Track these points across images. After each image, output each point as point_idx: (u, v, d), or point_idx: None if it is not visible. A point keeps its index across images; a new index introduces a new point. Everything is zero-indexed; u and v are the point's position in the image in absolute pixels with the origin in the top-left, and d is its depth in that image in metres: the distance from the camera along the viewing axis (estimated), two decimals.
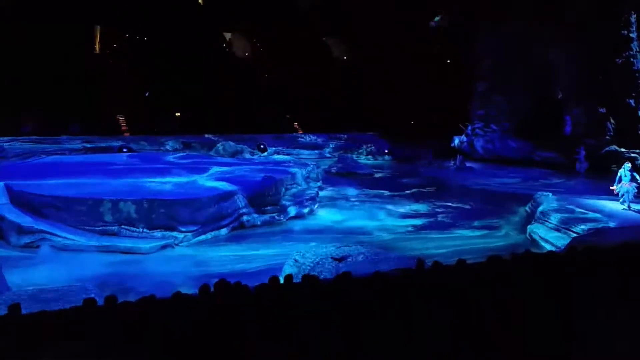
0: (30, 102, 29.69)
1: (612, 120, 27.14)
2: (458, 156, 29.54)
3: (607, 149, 26.67)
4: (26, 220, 15.84)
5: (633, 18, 27.30)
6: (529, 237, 17.03)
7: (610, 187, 18.45)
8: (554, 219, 16.83)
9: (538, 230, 16.94)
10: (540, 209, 17.90)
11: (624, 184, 18.03)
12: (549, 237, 16.28)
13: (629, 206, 17.71)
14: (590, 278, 6.59)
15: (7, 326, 5.93)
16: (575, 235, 15.43)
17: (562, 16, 27.66)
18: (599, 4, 27.06)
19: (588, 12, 27.18)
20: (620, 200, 17.98)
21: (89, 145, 27.62)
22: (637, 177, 17.97)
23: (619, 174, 18.17)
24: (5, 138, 27.23)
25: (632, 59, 27.32)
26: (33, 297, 10.43)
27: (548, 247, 15.42)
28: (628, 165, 18.38)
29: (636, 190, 17.91)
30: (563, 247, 13.47)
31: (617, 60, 27.27)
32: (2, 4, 30.32)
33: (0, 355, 4.76)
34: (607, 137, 26.91)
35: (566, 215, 16.87)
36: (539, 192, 19.67)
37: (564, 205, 17.97)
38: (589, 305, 5.28)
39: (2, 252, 15.02)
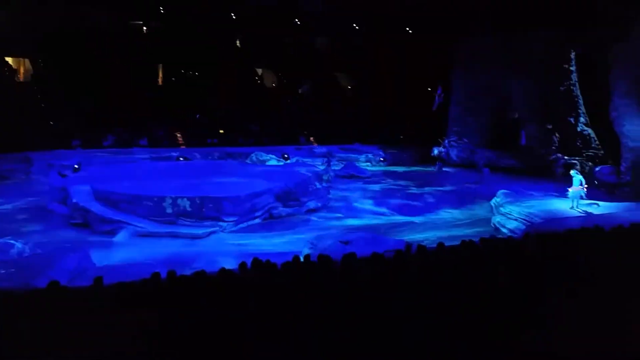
0: (112, 123, 29.96)
1: (557, 134, 27.09)
2: (437, 162, 29.49)
3: (553, 156, 26.63)
4: (106, 212, 15.94)
5: (573, 55, 27.45)
6: (493, 226, 16.91)
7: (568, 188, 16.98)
8: (513, 211, 16.69)
9: (501, 220, 16.82)
10: (501, 203, 17.74)
11: (573, 188, 16.53)
12: (509, 225, 16.17)
13: (576, 207, 16.36)
14: (541, 257, 6.55)
15: (93, 294, 6.00)
16: (529, 224, 15.30)
17: (519, 57, 27.93)
18: (546, 46, 27.28)
19: (538, 53, 27.44)
20: (572, 206, 16.46)
21: (154, 155, 27.72)
22: (583, 181, 16.64)
23: (574, 179, 16.61)
24: (92, 150, 27.50)
25: (572, 87, 27.42)
26: (113, 271, 10.51)
27: (508, 233, 15.31)
28: (574, 171, 17.27)
29: (584, 193, 16.64)
30: (520, 233, 13.36)
31: (561, 88, 27.35)
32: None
33: (88, 315, 4.79)
34: (553, 147, 26.91)
35: (522, 208, 16.70)
36: (501, 190, 19.53)
37: (521, 200, 17.76)
38: (542, 282, 5.25)
39: (88, 237, 15.18)
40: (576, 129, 26.98)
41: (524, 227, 15.07)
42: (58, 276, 9.65)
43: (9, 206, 18.26)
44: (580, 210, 16.16)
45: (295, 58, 37.43)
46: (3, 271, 10.73)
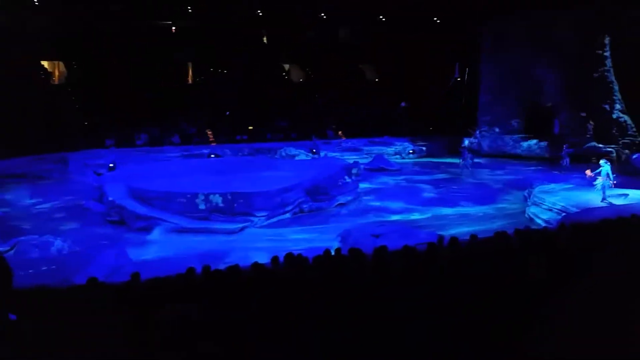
0: (144, 122, 30.50)
1: (591, 122, 26.34)
2: (468, 154, 28.98)
3: (588, 145, 25.91)
4: (141, 210, 16.24)
5: (607, 40, 26.57)
6: (527, 217, 16.58)
7: (586, 171, 16.70)
8: (547, 201, 16.33)
9: (535, 211, 16.48)
10: (535, 193, 17.36)
11: (601, 178, 15.97)
12: (543, 216, 15.83)
13: (603, 199, 15.78)
14: (576, 247, 6.39)
15: (130, 288, 6.13)
16: (564, 214, 14.94)
17: (550, 42, 27.16)
18: (579, 31, 26.48)
19: (570, 38, 26.65)
20: (602, 198, 15.83)
21: (185, 153, 28.11)
22: (611, 174, 15.97)
23: (602, 170, 16.04)
24: (126, 149, 28.07)
25: (606, 73, 26.58)
26: (148, 267, 10.72)
27: (543, 224, 14.98)
28: (603, 160, 16.56)
29: (610, 185, 16.03)
30: (555, 223, 13.05)
31: (594, 74, 26.53)
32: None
33: (124, 310, 4.90)
34: (588, 136, 26.19)
35: (556, 198, 16.32)
36: (535, 180, 19.13)
37: (555, 190, 17.34)
38: (576, 274, 5.12)
39: (124, 233, 15.51)
40: (612, 116, 26.22)
41: (559, 217, 14.73)
42: (96, 272, 9.90)
43: (47, 205, 18.82)
44: (607, 202, 15.57)
45: (320, 52, 37.29)
46: (44, 268, 11.08)
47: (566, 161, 24.08)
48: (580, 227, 7.20)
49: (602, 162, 16.56)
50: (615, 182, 16.13)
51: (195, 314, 4.48)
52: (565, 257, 5.81)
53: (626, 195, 16.17)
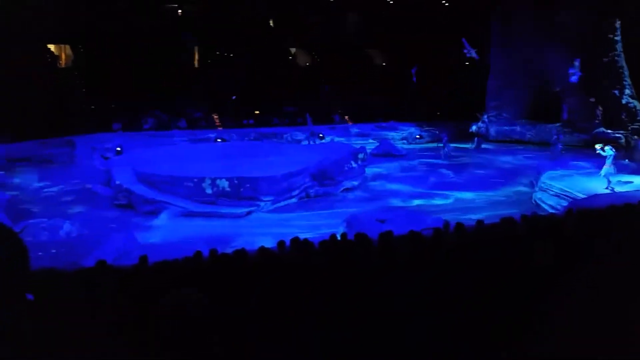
0: (151, 106, 30.48)
1: (600, 108, 26.08)
2: (476, 139, 28.83)
3: (596, 130, 25.70)
4: (149, 193, 16.35)
5: (617, 24, 26.16)
6: (534, 202, 16.53)
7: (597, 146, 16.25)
8: (554, 187, 16.25)
9: (542, 197, 16.43)
10: (543, 179, 17.28)
11: (606, 165, 15.85)
12: (550, 202, 15.77)
13: (608, 187, 15.62)
14: (582, 234, 6.36)
15: (138, 272, 6.19)
16: (571, 200, 14.87)
17: (559, 26, 26.79)
18: (589, 15, 26.07)
19: (580, 21, 26.27)
20: (607, 186, 15.68)
21: (192, 137, 28.13)
22: (609, 160, 15.75)
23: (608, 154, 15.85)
24: (131, 132, 28.10)
25: (616, 58, 26.22)
26: (156, 250, 10.82)
27: (550, 210, 14.93)
28: (608, 147, 16.19)
29: (614, 170, 15.88)
30: (562, 209, 13.01)
31: (604, 59, 26.18)
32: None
33: (132, 293, 4.95)
34: (597, 121, 25.96)
35: (563, 184, 16.24)
36: (542, 166, 19.03)
37: (562, 176, 17.24)
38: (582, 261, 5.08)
39: (132, 217, 15.62)
40: (621, 102, 25.92)
41: (565, 203, 14.67)
42: (104, 255, 10.00)
43: (55, 189, 18.95)
44: (610, 189, 15.46)
45: (327, 36, 36.97)
46: (53, 251, 11.19)
47: (558, 147, 24.04)
48: (587, 214, 7.17)
49: (607, 148, 16.33)
50: (614, 169, 15.91)
51: (201, 298, 4.51)
52: (571, 243, 5.79)
53: (631, 182, 16.03)
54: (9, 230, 1.86)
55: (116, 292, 4.76)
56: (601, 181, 15.91)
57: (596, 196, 14.09)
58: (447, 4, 36.62)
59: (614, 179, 15.89)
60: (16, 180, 19.90)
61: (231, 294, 4.89)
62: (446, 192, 18.28)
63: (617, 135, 24.64)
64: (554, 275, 4.32)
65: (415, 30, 35.47)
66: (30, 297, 1.86)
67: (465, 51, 28.51)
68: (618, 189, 15.48)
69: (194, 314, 3.13)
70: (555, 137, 24.44)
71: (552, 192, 16.15)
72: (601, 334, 3.42)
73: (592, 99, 26.39)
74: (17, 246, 1.86)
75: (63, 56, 34.22)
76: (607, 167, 15.84)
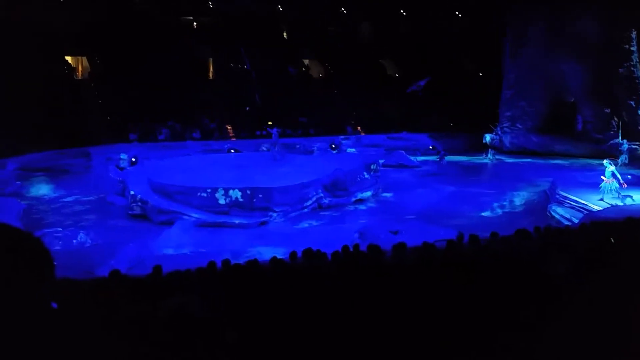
0: (166, 117, 30.78)
1: (615, 119, 25.83)
2: (490, 150, 28.64)
3: (612, 141, 25.42)
4: (163, 204, 16.44)
5: (633, 34, 25.98)
6: (548, 214, 16.34)
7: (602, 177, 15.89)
8: (569, 199, 16.08)
9: (556, 208, 16.24)
10: (558, 191, 17.11)
11: (606, 180, 15.50)
12: (565, 214, 15.59)
13: (614, 198, 15.31)
14: (597, 247, 6.27)
15: (152, 281, 6.22)
16: (586, 212, 14.70)
17: (574, 37, 26.66)
18: (604, 25, 25.92)
19: (595, 31, 26.11)
20: (601, 197, 15.44)
21: (206, 148, 28.32)
22: (617, 173, 15.50)
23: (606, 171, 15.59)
24: (146, 143, 28.35)
25: (632, 68, 26.00)
26: (169, 260, 10.87)
27: (565, 222, 14.76)
28: (607, 161, 16.02)
29: (615, 185, 15.42)
30: (577, 222, 12.85)
31: (620, 69, 25.97)
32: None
33: (147, 300, 4.97)
34: (612, 132, 25.69)
35: (578, 195, 16.05)
36: (555, 178, 18.86)
37: (575, 189, 17.02)
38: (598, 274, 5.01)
39: (146, 227, 15.71)
40: (637, 112, 25.65)
41: (581, 215, 14.50)
42: (118, 265, 10.07)
43: (70, 198, 19.16)
44: (610, 204, 15.07)
45: (341, 47, 37.16)
46: (67, 260, 11.30)
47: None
48: (602, 226, 7.07)
49: (605, 162, 16.07)
50: (624, 183, 15.53)
51: (215, 307, 4.52)
52: (586, 256, 5.72)
53: (631, 197, 15.52)
54: (34, 238, 1.89)
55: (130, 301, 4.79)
56: (606, 195, 15.61)
57: (612, 208, 13.92)
58: (460, 15, 36.68)
59: (611, 194, 15.45)
60: (32, 190, 20.18)
61: (243, 304, 4.90)
62: (460, 203, 18.14)
63: (633, 146, 24.37)
64: (567, 288, 4.27)
65: (428, 41, 35.55)
66: (54, 305, 1.88)
67: (414, 87, 29.08)
68: (616, 202, 15.19)
69: (196, 316, 3.14)
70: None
71: (567, 205, 15.97)
72: (612, 344, 3.38)
73: (608, 110, 26.16)
74: (42, 254, 1.89)
75: (80, 68, 34.81)
76: (611, 181, 15.47)
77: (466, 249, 6.73)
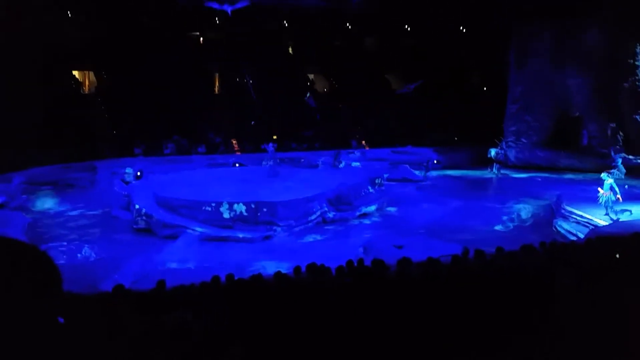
0: (172, 132, 30.95)
1: (621, 133, 25.80)
2: (495, 164, 28.61)
3: (617, 156, 25.31)
4: (167, 218, 16.47)
5: (638, 49, 26.03)
6: (554, 229, 16.26)
7: (598, 188, 15.79)
8: (575, 214, 16.00)
9: (562, 223, 16.16)
10: (563, 206, 17.04)
11: (603, 192, 15.38)
12: (571, 229, 15.51)
13: (606, 213, 15.18)
14: (603, 261, 6.24)
15: (156, 295, 6.22)
16: (592, 227, 14.63)
17: (578, 51, 26.79)
18: (609, 39, 26.04)
19: (599, 46, 26.23)
20: (606, 212, 15.27)
21: (211, 162, 28.40)
22: (615, 186, 15.33)
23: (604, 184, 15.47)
24: (152, 157, 28.46)
25: (638, 83, 26.02)
26: (173, 274, 10.86)
27: (571, 237, 14.68)
28: (605, 174, 15.89)
29: (613, 198, 15.27)
30: (583, 237, 12.78)
31: (625, 84, 26.01)
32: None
33: (151, 313, 4.97)
34: (618, 147, 25.63)
35: (584, 210, 15.97)
36: (560, 193, 18.79)
37: (581, 204, 16.92)
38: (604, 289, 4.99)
39: (151, 241, 15.72)
40: None
41: (586, 230, 14.43)
42: (122, 280, 10.08)
43: (75, 212, 19.23)
44: (610, 217, 15.02)
45: (345, 62, 37.38)
46: (71, 274, 11.31)
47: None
48: (607, 242, 7.04)
49: (603, 175, 15.97)
50: (620, 196, 15.39)
51: (219, 322, 4.52)
52: (592, 271, 5.68)
53: (630, 212, 15.35)
54: (41, 252, 1.91)
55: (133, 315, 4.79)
56: (602, 209, 15.54)
57: (618, 223, 13.84)
58: (464, 30, 36.90)
59: (610, 208, 15.36)
60: (38, 204, 20.25)
61: (248, 318, 4.89)
62: (465, 218, 18.08)
63: (639, 161, 24.30)
64: (573, 303, 4.25)
65: (433, 56, 35.74)
66: (61, 320, 1.89)
67: (404, 90, 29.44)
68: (616, 217, 15.09)
69: (196, 330, 3.15)
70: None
71: (572, 220, 15.89)
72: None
73: (613, 124, 26.14)
74: (50, 268, 1.91)
75: (87, 82, 35.17)
76: (608, 194, 15.37)
77: (471, 264, 6.71)
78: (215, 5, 26.12)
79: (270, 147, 22.13)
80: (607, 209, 15.36)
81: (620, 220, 14.78)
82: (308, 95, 31.92)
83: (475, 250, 7.29)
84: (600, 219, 15.06)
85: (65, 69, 31.88)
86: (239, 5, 26.52)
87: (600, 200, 15.55)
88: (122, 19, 32.53)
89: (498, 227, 17.09)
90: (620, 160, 18.17)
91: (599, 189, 15.70)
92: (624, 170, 15.81)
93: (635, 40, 26.05)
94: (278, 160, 21.87)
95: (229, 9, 26.05)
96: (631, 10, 24.41)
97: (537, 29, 28.86)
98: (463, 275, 6.12)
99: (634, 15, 24.61)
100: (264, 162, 22.57)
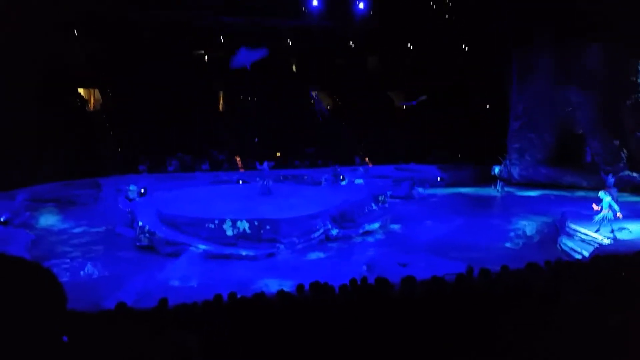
0: (176, 148, 31.06)
1: (624, 150, 25.79)
2: (498, 182, 28.56)
3: (622, 174, 25.28)
4: (170, 235, 16.45)
5: (639, 67, 26.16)
6: (559, 247, 16.15)
7: (593, 204, 15.72)
8: (580, 232, 15.91)
9: (567, 241, 16.06)
10: (567, 223, 16.95)
11: (602, 210, 15.29)
12: (576, 247, 15.40)
13: (598, 230, 15.16)
14: (608, 280, 6.19)
15: (158, 314, 6.18)
16: (597, 245, 14.53)
17: (580, 69, 26.92)
18: (610, 58, 26.19)
19: (601, 64, 26.36)
20: (597, 228, 15.31)
21: (215, 179, 28.44)
22: (614, 204, 15.25)
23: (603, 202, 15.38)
24: (156, 174, 28.51)
25: (639, 100, 26.10)
26: (176, 292, 10.82)
27: (576, 255, 14.58)
28: (602, 192, 15.80)
29: (611, 216, 15.18)
30: (589, 256, 12.69)
31: (627, 101, 26.07)
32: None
33: (152, 333, 4.92)
34: (621, 164, 25.61)
35: (589, 228, 15.87)
36: (565, 210, 18.71)
37: (587, 221, 16.81)
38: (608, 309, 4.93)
39: (153, 258, 15.67)
40: None
41: (591, 248, 14.33)
42: (125, 297, 10.03)
43: (78, 230, 19.22)
44: (607, 236, 14.90)
45: (349, 80, 37.65)
46: (74, 292, 11.27)
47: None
48: (612, 260, 6.98)
49: (600, 193, 15.88)
50: (620, 213, 15.28)
51: (222, 340, 4.48)
52: (599, 289, 5.63)
53: (629, 230, 15.26)
54: (45, 269, 1.90)
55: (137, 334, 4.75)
56: (604, 227, 15.40)
57: (624, 242, 13.75)
58: (466, 48, 37.15)
59: (607, 226, 15.27)
60: (41, 221, 20.28)
61: (250, 336, 4.85)
62: (469, 235, 17.98)
63: (626, 172, 24.33)
64: (579, 322, 4.20)
65: (435, 74, 35.95)
66: (65, 339, 1.88)
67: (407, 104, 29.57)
68: (611, 234, 15.00)
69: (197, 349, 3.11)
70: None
71: (577, 238, 15.80)
72: None
73: (616, 142, 26.13)
74: (54, 286, 1.90)
75: (92, 100, 35.46)
76: (605, 212, 15.31)
77: (476, 283, 6.66)
78: (239, 64, 27.17)
79: (265, 165, 22.10)
80: (600, 226, 15.28)
81: (618, 238, 14.70)
82: (315, 96, 31.98)
83: (480, 268, 7.24)
84: (606, 237, 14.96)
85: (71, 86, 32.18)
86: (256, 57, 27.32)
87: (596, 218, 15.50)
88: (127, 37, 32.93)
89: (502, 245, 16.98)
90: (612, 182, 18.25)
91: (594, 204, 15.63)
92: (616, 190, 15.76)
93: (636, 58, 26.16)
94: (271, 180, 21.76)
95: (248, 64, 27.10)
96: (632, 29, 24.55)
97: (538, 47, 29.03)
98: (468, 294, 6.07)
99: (635, 33, 24.74)
100: (258, 180, 22.48)
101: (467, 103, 34.99)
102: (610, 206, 15.31)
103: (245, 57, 27.12)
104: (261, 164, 22.13)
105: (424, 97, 31.96)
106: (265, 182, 21.20)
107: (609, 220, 15.28)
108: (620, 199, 16.42)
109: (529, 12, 27.34)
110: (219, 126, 33.51)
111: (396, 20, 35.66)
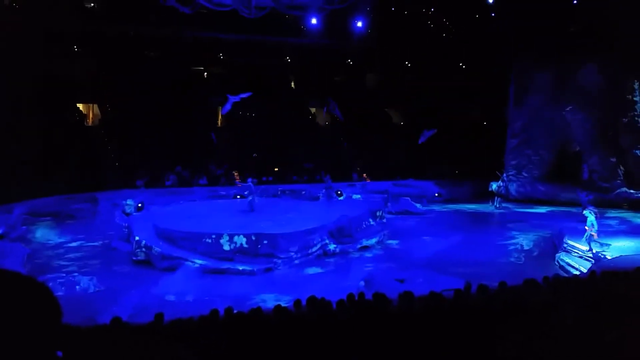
0: (174, 163, 31.05)
1: (621, 167, 25.92)
2: (496, 198, 28.61)
3: (619, 190, 25.39)
4: (167, 249, 16.38)
5: (636, 85, 26.40)
6: (557, 263, 16.13)
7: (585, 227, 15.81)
8: (578, 248, 15.91)
9: (565, 257, 16.04)
10: (565, 239, 16.95)
11: (587, 228, 15.45)
12: (574, 263, 15.39)
13: (589, 249, 15.14)
14: (607, 296, 6.17)
15: (154, 328, 6.13)
16: (594, 261, 14.52)
17: (577, 87, 27.18)
18: (607, 76, 26.47)
19: (598, 83, 26.63)
20: (589, 247, 15.30)
21: (212, 194, 28.41)
22: (595, 223, 15.39)
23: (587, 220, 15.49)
24: (154, 189, 28.45)
25: (636, 118, 26.30)
26: (172, 307, 10.74)
27: (574, 271, 14.56)
28: (587, 210, 15.96)
29: (592, 237, 15.35)
30: (586, 271, 12.66)
31: (624, 119, 26.29)
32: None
33: (148, 348, 4.88)
34: (618, 181, 25.74)
35: (586, 244, 15.87)
36: (562, 227, 18.72)
37: (584, 237, 16.82)
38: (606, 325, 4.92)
39: (150, 273, 15.58)
40: None
41: (589, 264, 14.32)
42: (121, 312, 9.95)
43: (75, 244, 19.15)
44: (594, 253, 15.01)
45: (347, 96, 37.84)
46: (69, 307, 11.19)
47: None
48: (611, 275, 6.98)
49: (585, 212, 16.00)
50: (596, 233, 15.42)
51: (218, 356, 4.45)
52: (596, 305, 5.61)
53: (608, 245, 15.45)
54: (40, 284, 1.89)
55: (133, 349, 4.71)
56: (594, 244, 15.50)
57: (622, 258, 13.75)
58: (464, 66, 37.45)
59: (595, 244, 15.38)
60: (37, 235, 20.20)
61: (247, 352, 4.81)
62: (467, 251, 17.95)
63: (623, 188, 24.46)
64: (577, 339, 4.18)
65: (433, 90, 36.16)
66: (59, 354, 1.85)
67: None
68: (597, 250, 15.10)
69: None
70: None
71: (575, 254, 15.79)
72: None
73: (613, 159, 26.28)
74: (49, 301, 1.88)
75: (91, 115, 35.54)
76: (588, 231, 15.45)
77: (474, 299, 6.64)
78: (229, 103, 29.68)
79: (249, 182, 22.10)
80: (589, 245, 15.35)
81: (601, 254, 14.83)
82: (331, 101, 32.29)
83: (478, 284, 7.23)
84: (606, 253, 14.98)
85: (69, 101, 32.29)
86: (241, 97, 29.83)
87: (584, 237, 15.65)
88: (126, 53, 33.12)
89: (500, 261, 16.94)
90: (586, 200, 18.45)
91: (586, 227, 15.72)
92: (595, 211, 15.93)
93: (633, 77, 26.44)
94: (256, 196, 21.73)
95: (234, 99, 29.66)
96: (629, 48, 24.84)
97: (536, 66, 29.33)
98: (466, 309, 6.04)
99: (632, 52, 25.03)
100: (245, 194, 22.40)
101: (465, 120, 35.16)
102: (592, 225, 15.43)
103: (232, 101, 29.60)
104: (244, 182, 22.17)
105: (434, 131, 32.04)
106: (250, 199, 21.13)
107: (591, 239, 15.37)
108: (620, 215, 16.49)
109: (526, 30, 27.64)
110: (218, 141, 33.57)
111: (394, 38, 35.98)
